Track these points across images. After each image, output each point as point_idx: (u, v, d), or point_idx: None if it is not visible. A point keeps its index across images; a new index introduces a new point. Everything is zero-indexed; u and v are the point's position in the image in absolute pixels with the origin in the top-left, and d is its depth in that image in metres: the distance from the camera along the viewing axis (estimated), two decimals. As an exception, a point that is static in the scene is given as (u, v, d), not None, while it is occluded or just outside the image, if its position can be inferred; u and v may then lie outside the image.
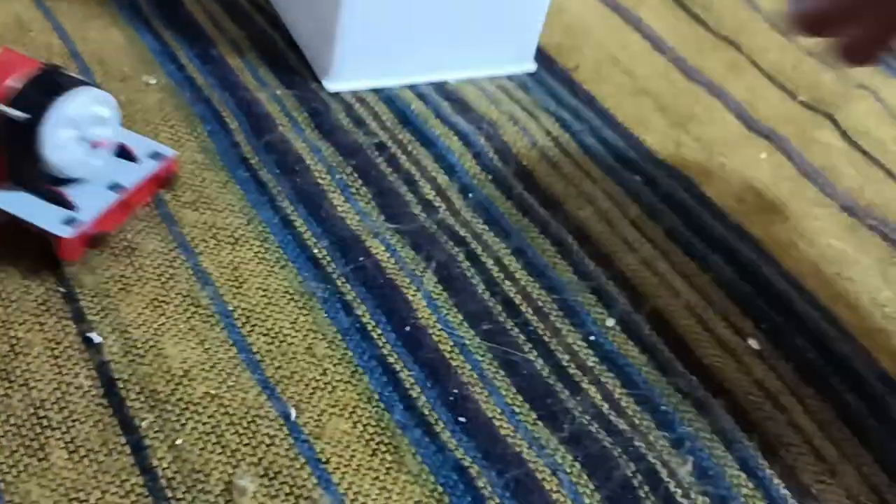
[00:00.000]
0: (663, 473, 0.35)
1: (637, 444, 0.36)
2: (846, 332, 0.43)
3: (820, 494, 0.36)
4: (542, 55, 0.55)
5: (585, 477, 0.34)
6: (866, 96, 0.59)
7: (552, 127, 0.50)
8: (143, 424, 0.33)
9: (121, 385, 0.34)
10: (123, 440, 0.32)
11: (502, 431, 0.35)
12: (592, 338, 0.40)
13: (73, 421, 0.32)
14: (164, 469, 0.32)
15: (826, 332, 0.42)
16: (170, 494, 0.31)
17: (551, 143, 0.49)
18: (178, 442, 0.33)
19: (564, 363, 0.38)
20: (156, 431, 0.33)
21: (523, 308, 0.40)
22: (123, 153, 0.39)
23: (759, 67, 0.60)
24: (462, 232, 0.43)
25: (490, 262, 0.42)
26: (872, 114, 0.58)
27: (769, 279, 0.44)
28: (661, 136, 0.52)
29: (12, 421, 0.32)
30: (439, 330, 0.38)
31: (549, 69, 0.55)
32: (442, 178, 0.45)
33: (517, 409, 0.36)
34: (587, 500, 0.34)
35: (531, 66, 0.54)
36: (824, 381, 0.40)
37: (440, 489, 0.33)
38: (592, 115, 0.52)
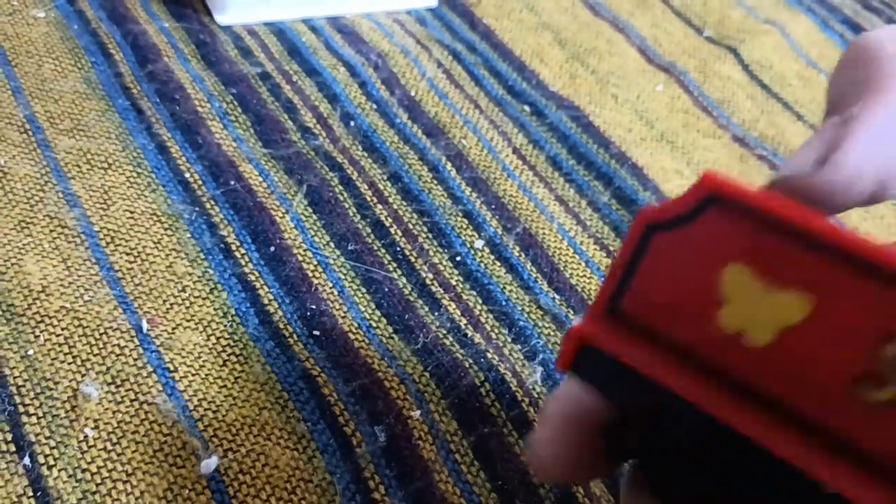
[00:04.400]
0: (512, 383, 0.36)
1: (490, 355, 0.37)
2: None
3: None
4: (444, -10, 0.56)
5: (433, 385, 0.35)
6: (773, 31, 0.59)
7: (444, 59, 0.51)
8: (-2, 337, 0.34)
9: (-21, 300, 0.35)
10: (-24, 351, 0.33)
11: (356, 344, 0.36)
12: (459, 258, 0.40)
13: (-72, 333, 0.33)
14: (14, 377, 0.33)
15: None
16: (18, 400, 0.32)
17: (442, 74, 0.50)
18: (31, 352, 0.34)
19: (428, 281, 0.39)
20: (10, 343, 0.34)
21: (392, 230, 0.41)
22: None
23: (667, 3, 0.60)
24: (339, 158, 0.44)
25: (364, 187, 0.43)
26: (777, 48, 0.58)
27: (647, 204, 0.45)
28: (557, 69, 0.52)
29: None
30: (304, 250, 0.39)
31: (451, 4, 0.55)
32: (324, 107, 0.46)
33: (374, 324, 0.37)
34: (432, 407, 0.35)
35: (432, 1, 0.54)
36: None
37: (285, 396, 0.34)
38: (488, 48, 0.52)
